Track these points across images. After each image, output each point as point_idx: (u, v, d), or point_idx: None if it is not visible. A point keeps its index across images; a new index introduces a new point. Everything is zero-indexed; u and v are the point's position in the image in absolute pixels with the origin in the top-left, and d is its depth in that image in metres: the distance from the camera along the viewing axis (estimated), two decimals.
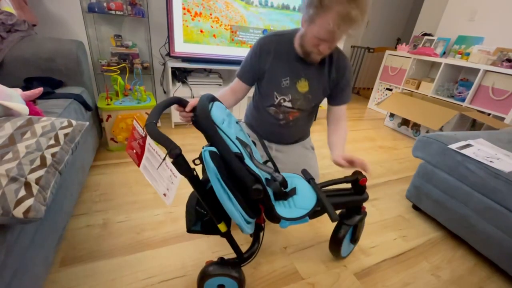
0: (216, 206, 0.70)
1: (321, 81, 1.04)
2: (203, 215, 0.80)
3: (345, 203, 0.94)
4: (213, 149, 0.64)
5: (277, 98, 1.07)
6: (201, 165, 0.76)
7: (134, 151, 0.66)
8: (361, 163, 0.87)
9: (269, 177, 0.83)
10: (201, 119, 0.66)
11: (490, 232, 1.07)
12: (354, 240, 1.06)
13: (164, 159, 0.58)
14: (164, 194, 0.61)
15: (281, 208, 0.80)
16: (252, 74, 1.05)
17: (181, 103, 0.79)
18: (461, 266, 1.13)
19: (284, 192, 0.83)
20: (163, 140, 0.56)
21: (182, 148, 0.58)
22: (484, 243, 1.11)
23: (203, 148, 0.64)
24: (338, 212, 0.98)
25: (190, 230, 0.80)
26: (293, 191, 0.86)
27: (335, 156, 0.95)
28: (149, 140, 0.61)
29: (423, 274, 1.07)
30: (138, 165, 0.65)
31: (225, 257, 0.83)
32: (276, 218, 0.80)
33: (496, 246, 1.06)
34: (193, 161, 0.66)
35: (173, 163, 0.58)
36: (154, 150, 0.60)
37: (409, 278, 1.05)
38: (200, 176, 0.71)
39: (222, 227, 0.76)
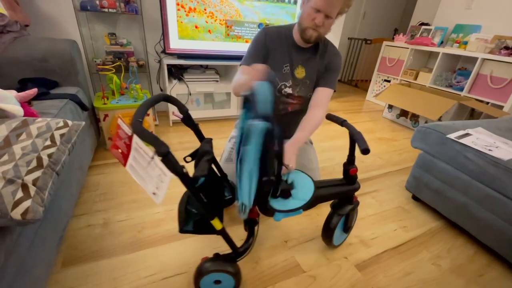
0: (209, 202, 0.69)
1: (316, 67, 1.13)
2: (194, 215, 0.80)
3: (338, 194, 0.96)
4: (271, 127, 0.63)
5: (278, 84, 1.12)
6: (193, 162, 0.75)
7: (120, 150, 0.65)
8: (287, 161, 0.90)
9: None
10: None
11: (490, 220, 1.08)
12: (347, 229, 1.08)
13: (152, 157, 0.57)
14: (154, 193, 0.60)
15: (277, 201, 0.81)
16: (259, 59, 1.08)
17: (169, 100, 0.78)
18: (461, 255, 1.14)
19: (284, 191, 0.84)
20: (150, 139, 0.55)
21: (179, 146, 0.58)
22: (483, 231, 1.12)
23: (256, 122, 0.62)
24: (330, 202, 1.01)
25: (182, 230, 0.80)
26: (292, 185, 0.88)
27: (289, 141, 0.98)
28: (135, 139, 0.60)
29: (424, 264, 1.08)
30: (124, 165, 0.64)
31: (223, 253, 0.83)
32: (269, 211, 0.81)
33: (496, 234, 1.07)
34: (184, 158, 0.65)
35: (162, 161, 0.58)
36: (141, 149, 0.59)
37: (410, 268, 1.05)
38: (191, 173, 0.70)
39: (216, 224, 0.75)
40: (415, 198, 1.47)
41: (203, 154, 0.77)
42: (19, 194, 0.59)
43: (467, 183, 1.15)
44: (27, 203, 0.59)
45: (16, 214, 0.57)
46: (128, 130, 0.62)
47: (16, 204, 0.58)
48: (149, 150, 0.58)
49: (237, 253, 0.83)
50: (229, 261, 0.82)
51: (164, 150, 0.56)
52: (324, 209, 1.32)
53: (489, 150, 1.10)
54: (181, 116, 0.82)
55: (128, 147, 0.63)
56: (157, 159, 0.57)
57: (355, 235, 1.19)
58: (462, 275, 1.04)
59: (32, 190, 0.63)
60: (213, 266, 0.80)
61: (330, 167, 1.74)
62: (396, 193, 1.53)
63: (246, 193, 0.68)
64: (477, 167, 1.10)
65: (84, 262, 0.94)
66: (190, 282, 0.91)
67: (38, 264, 0.74)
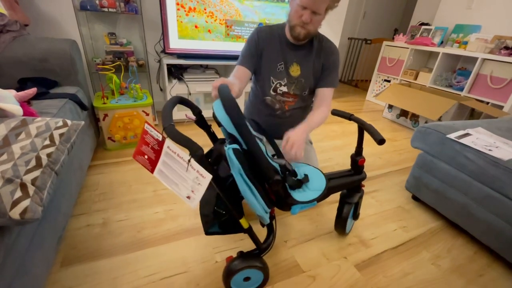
0: (236, 202, 0.70)
1: (311, 65, 1.11)
2: (222, 215, 0.81)
3: (348, 184, 1.00)
4: (236, 146, 0.64)
5: (273, 83, 1.13)
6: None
7: (146, 156, 0.64)
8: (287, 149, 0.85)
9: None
10: (229, 111, 0.62)
11: (490, 220, 1.08)
12: (356, 216, 1.13)
13: (189, 161, 0.57)
14: (188, 197, 0.60)
15: (295, 194, 0.82)
16: (252, 59, 1.09)
17: (183, 102, 0.78)
18: (461, 255, 1.14)
19: (298, 181, 0.84)
20: (185, 142, 0.55)
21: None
22: (483, 231, 1.12)
23: (225, 146, 0.65)
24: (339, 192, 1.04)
25: (208, 232, 0.81)
26: (306, 178, 0.87)
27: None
28: (168, 143, 0.59)
29: (424, 264, 1.08)
30: (152, 171, 0.64)
31: (231, 252, 0.84)
32: (287, 205, 0.82)
33: (496, 234, 1.06)
34: None
35: (198, 163, 0.57)
36: (175, 153, 0.59)
37: (409, 268, 1.05)
38: None
39: (244, 223, 0.77)
40: (415, 198, 1.47)
41: (220, 155, 0.78)
42: (18, 193, 0.59)
43: (467, 183, 1.15)
44: (25, 203, 0.59)
45: (15, 213, 0.57)
46: (157, 135, 0.61)
47: (15, 203, 0.58)
48: (185, 154, 0.57)
49: (261, 249, 0.85)
50: (255, 257, 0.85)
51: (200, 152, 0.55)
52: (324, 209, 1.32)
53: (489, 150, 1.10)
54: (194, 118, 0.82)
55: (157, 152, 0.62)
56: (194, 162, 0.57)
57: (355, 235, 1.18)
58: (462, 275, 1.04)
59: (31, 189, 0.62)
60: (243, 263, 0.81)
61: (330, 167, 1.74)
62: (396, 193, 1.52)
63: (256, 206, 0.69)
64: (477, 167, 1.10)
65: (83, 262, 0.94)
66: (189, 281, 0.91)
67: (37, 263, 0.74)
